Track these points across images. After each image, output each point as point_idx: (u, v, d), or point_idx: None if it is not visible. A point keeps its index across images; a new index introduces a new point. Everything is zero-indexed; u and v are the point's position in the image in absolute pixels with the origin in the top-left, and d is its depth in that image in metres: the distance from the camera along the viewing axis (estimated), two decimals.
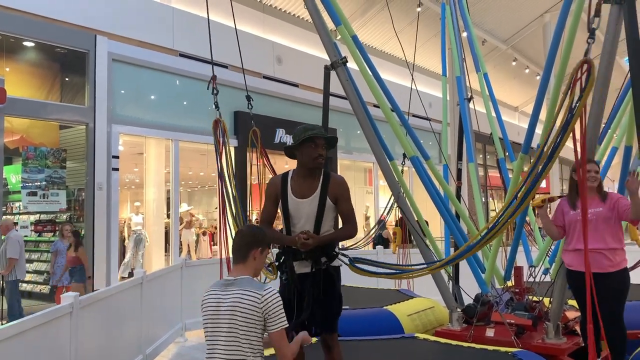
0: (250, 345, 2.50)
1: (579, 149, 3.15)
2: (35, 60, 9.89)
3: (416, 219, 5.36)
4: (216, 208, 16.13)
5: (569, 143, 3.31)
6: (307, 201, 3.38)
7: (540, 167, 3.42)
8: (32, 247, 10.27)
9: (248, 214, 5.31)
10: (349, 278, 4.30)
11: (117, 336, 4.95)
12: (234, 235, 4.13)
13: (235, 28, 4.91)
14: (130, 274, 11.79)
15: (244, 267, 2.64)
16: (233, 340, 2.51)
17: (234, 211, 4.40)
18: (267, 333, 2.55)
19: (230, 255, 2.95)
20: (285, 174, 3.52)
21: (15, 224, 9.83)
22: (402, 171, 5.75)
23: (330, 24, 5.19)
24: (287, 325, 2.56)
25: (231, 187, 4.39)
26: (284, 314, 2.55)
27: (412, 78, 6.70)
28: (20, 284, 10.02)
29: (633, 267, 5.76)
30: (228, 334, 2.51)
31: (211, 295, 2.61)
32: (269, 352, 3.97)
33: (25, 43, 9.47)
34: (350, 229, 3.46)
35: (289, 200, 3.41)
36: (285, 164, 13.67)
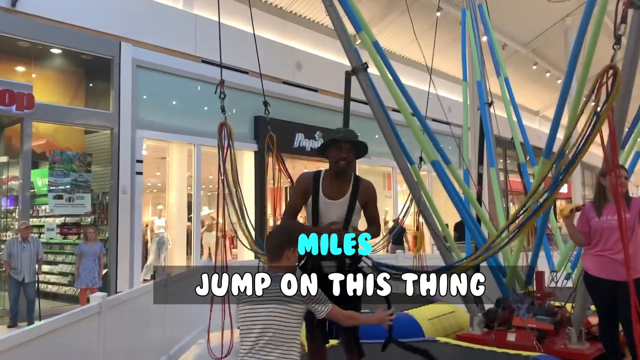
0: (289, 337, 2.63)
1: (599, 154, 3.16)
2: (62, 67, 10.13)
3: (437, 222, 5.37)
4: (221, 212, 16.24)
5: (593, 148, 3.31)
6: (337, 203, 3.44)
7: (561, 169, 3.42)
8: (57, 249, 10.49)
9: (267, 217, 5.38)
10: None
11: (142, 336, 5.05)
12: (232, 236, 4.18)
13: (254, 34, 5.01)
14: (153, 277, 11.97)
15: (279, 266, 2.76)
16: (274, 331, 2.61)
17: (238, 214, 4.48)
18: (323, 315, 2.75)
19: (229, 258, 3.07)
20: (318, 173, 3.56)
21: (42, 226, 10.08)
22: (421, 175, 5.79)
23: (351, 30, 5.25)
24: (331, 306, 2.73)
25: (236, 190, 4.46)
26: (326, 298, 2.74)
27: (431, 80, 6.72)
28: (46, 285, 10.27)
29: None
30: (269, 326, 2.61)
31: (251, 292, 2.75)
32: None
33: (52, 50, 9.71)
34: (375, 231, 3.55)
35: (320, 200, 3.47)
36: (304, 168, 13.74)
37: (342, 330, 3.44)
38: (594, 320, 4.95)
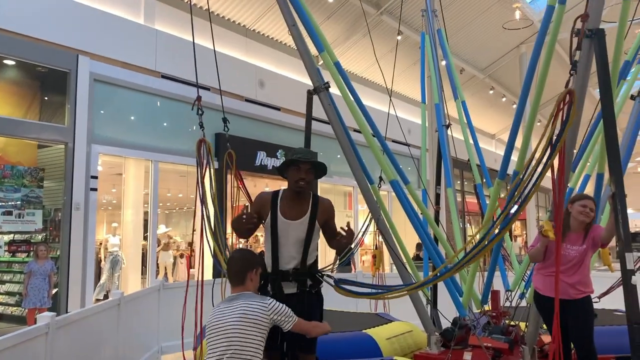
0: (254, 348, 2.71)
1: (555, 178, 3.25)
2: (16, 79, 9.81)
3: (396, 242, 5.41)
4: (195, 230, 15.99)
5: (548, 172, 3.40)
6: (295, 223, 3.42)
7: (518, 197, 3.48)
8: (4, 267, 10.04)
9: (228, 236, 5.30)
10: (328, 302, 4.33)
11: (93, 358, 4.86)
12: (214, 256, 4.18)
13: (215, 51, 4.99)
14: (106, 296, 11.60)
15: (243, 288, 2.89)
16: (240, 344, 2.69)
17: (216, 233, 4.42)
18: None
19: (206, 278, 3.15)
20: (276, 193, 3.55)
21: None
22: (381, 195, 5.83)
23: (313, 50, 5.30)
24: (297, 318, 2.89)
25: (214, 209, 4.41)
26: (290, 311, 2.88)
27: (390, 102, 6.82)
28: None
29: (605, 293, 5.88)
30: (234, 339, 2.69)
31: (217, 311, 2.83)
32: None
33: (5, 61, 9.41)
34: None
35: (279, 220, 3.44)
36: (265, 186, 13.69)
37: (299, 350, 3.41)
38: (546, 338, 5.06)
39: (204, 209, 4.34)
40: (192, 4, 5.64)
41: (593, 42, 3.70)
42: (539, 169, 3.31)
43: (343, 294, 4.13)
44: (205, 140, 4.40)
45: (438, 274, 4.06)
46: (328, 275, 3.76)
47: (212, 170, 4.42)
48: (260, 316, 2.73)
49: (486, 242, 3.62)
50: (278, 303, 2.85)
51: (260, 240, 15.68)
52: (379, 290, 4.51)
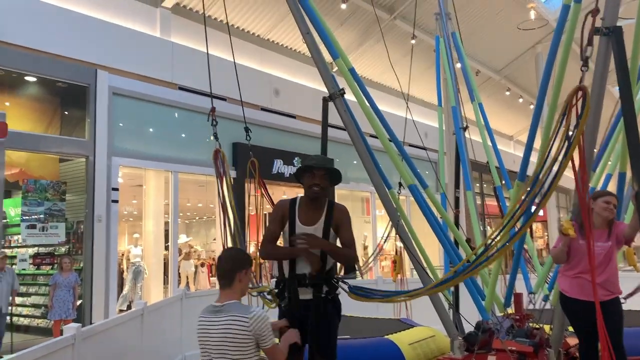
0: None
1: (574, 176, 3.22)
2: (37, 95, 10.03)
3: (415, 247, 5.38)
4: (214, 239, 16.11)
5: (566, 171, 3.36)
6: (311, 229, 3.45)
7: (535, 194, 3.44)
8: (29, 280, 10.21)
9: (247, 244, 5.33)
10: (350, 308, 4.32)
11: None
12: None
13: (234, 62, 5.04)
14: (129, 307, 11.72)
15: (231, 291, 2.74)
16: None
17: (236, 240, 4.46)
18: (262, 350, 2.69)
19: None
20: (294, 199, 3.60)
21: (14, 257, 9.82)
22: (399, 199, 5.81)
23: (327, 57, 5.32)
24: (272, 345, 2.71)
25: (233, 217, 4.45)
26: (270, 334, 2.69)
27: (407, 107, 6.82)
28: (17, 318, 9.97)
29: (631, 294, 5.78)
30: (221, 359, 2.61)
31: (202, 323, 2.74)
32: None
33: (26, 78, 9.62)
34: (349, 251, 3.52)
35: (296, 226, 3.48)
36: (283, 194, 13.73)
37: (320, 357, 3.41)
38: (572, 341, 4.98)
39: (226, 217, 4.38)
40: (206, 16, 5.71)
41: (611, 39, 3.67)
42: (557, 164, 3.27)
43: (357, 299, 4.12)
44: (220, 151, 4.44)
45: (455, 273, 4.00)
46: (344, 281, 3.75)
47: (228, 179, 4.45)
48: (244, 332, 2.59)
49: (506, 242, 3.57)
50: (261, 317, 2.64)
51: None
52: (392, 294, 4.46)
